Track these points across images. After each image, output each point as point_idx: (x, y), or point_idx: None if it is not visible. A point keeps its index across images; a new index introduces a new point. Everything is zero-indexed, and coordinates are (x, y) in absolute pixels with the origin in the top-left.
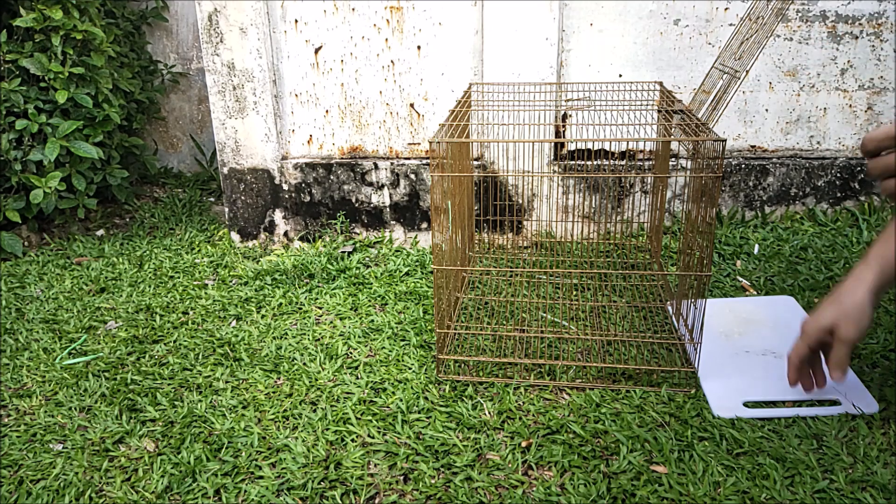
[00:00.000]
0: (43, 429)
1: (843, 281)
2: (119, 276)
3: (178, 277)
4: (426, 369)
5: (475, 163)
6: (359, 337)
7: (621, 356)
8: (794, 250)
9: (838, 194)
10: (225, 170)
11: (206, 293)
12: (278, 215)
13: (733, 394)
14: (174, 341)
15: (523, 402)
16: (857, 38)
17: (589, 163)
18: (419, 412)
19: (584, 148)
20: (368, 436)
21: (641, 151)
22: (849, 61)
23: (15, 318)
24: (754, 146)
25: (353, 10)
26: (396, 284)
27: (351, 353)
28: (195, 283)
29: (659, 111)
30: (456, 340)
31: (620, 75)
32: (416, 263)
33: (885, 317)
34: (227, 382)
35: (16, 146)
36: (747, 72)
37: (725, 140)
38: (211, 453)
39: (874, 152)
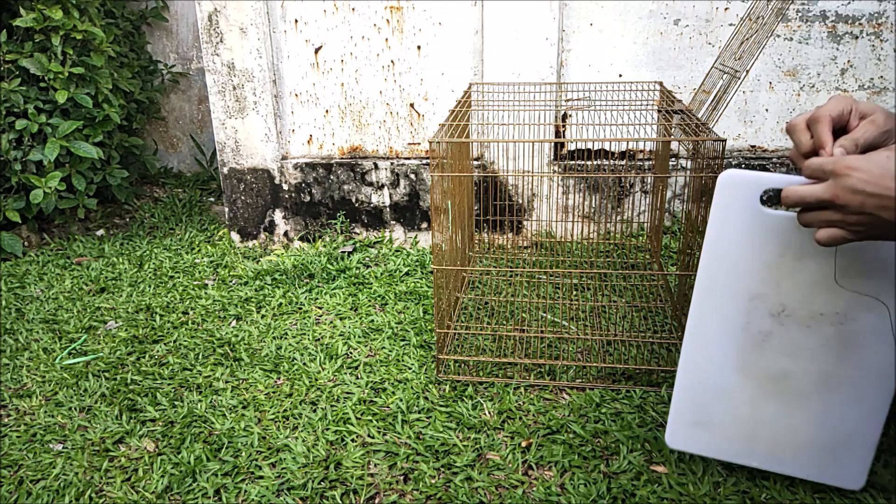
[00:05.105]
0: (43, 429)
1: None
2: (119, 276)
3: (178, 277)
4: (426, 369)
5: (475, 163)
6: (359, 337)
7: (621, 356)
8: None
9: None
10: (225, 170)
11: (206, 293)
12: (278, 215)
13: None
14: (174, 341)
15: (523, 402)
16: (857, 38)
17: (589, 163)
18: (419, 412)
19: (584, 148)
20: (368, 436)
21: (641, 151)
22: (849, 61)
23: (15, 318)
24: (754, 146)
25: (353, 10)
26: (396, 284)
27: (351, 353)
28: (195, 283)
29: (659, 111)
30: (456, 340)
31: (620, 75)
32: (416, 263)
33: None
34: (227, 382)
35: (16, 146)
36: (747, 72)
37: (725, 140)
38: (211, 453)
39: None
